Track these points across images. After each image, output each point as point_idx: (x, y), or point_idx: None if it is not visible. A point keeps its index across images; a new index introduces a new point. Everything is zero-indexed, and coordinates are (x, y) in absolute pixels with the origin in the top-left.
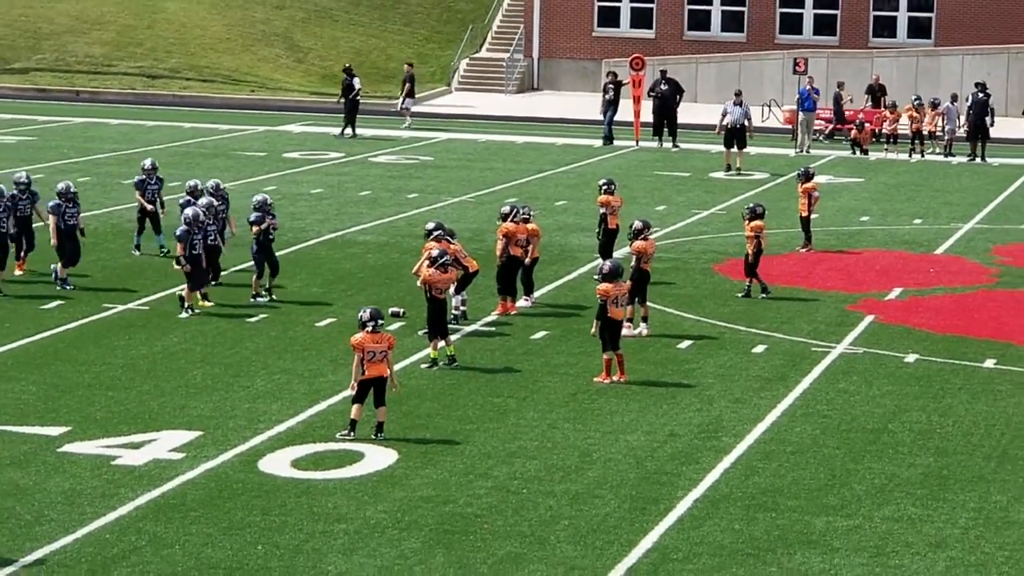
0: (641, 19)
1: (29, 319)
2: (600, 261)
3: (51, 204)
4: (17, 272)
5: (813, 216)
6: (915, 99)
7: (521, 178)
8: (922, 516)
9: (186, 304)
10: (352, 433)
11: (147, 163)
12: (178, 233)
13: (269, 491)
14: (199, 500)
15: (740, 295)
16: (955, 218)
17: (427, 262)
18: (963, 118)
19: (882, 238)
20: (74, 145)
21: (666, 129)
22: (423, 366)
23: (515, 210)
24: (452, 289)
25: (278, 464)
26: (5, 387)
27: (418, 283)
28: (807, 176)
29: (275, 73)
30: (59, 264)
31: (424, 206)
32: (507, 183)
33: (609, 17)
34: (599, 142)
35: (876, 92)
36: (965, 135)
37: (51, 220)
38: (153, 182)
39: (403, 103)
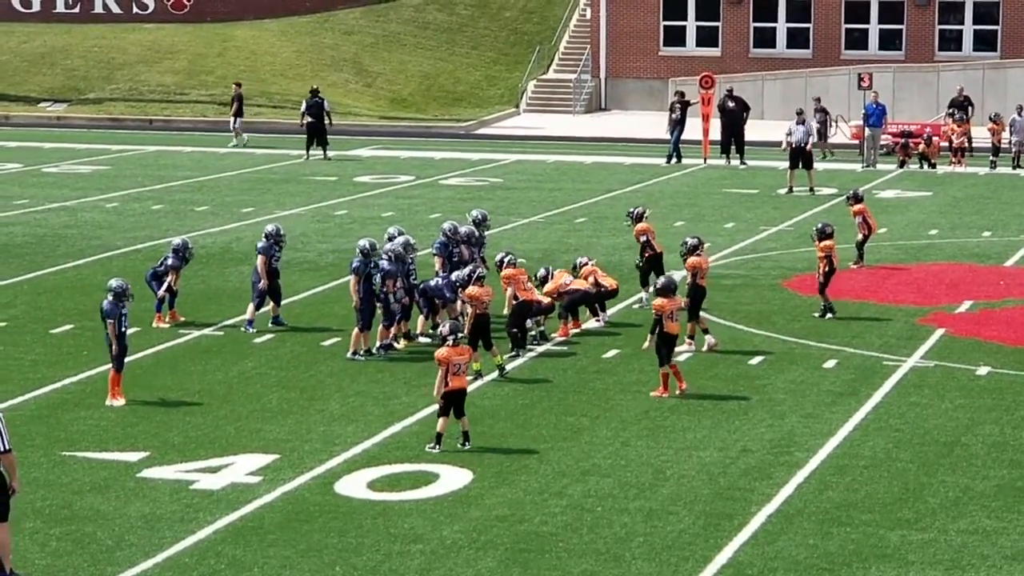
0: (707, 38)
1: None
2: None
3: (260, 245)
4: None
5: (876, 232)
6: (994, 114)
7: (590, 198)
8: (998, 528)
9: (376, 346)
10: (439, 446)
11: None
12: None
13: (346, 513)
14: (277, 523)
15: (817, 315)
16: None
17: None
18: None
19: (951, 251)
20: (148, 173)
21: (733, 147)
22: (483, 378)
23: (509, 259)
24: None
25: (354, 486)
26: (84, 414)
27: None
28: (856, 198)
29: (344, 98)
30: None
31: (495, 227)
32: (576, 203)
33: (675, 36)
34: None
35: (963, 104)
36: None
37: (260, 260)
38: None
39: (234, 123)
